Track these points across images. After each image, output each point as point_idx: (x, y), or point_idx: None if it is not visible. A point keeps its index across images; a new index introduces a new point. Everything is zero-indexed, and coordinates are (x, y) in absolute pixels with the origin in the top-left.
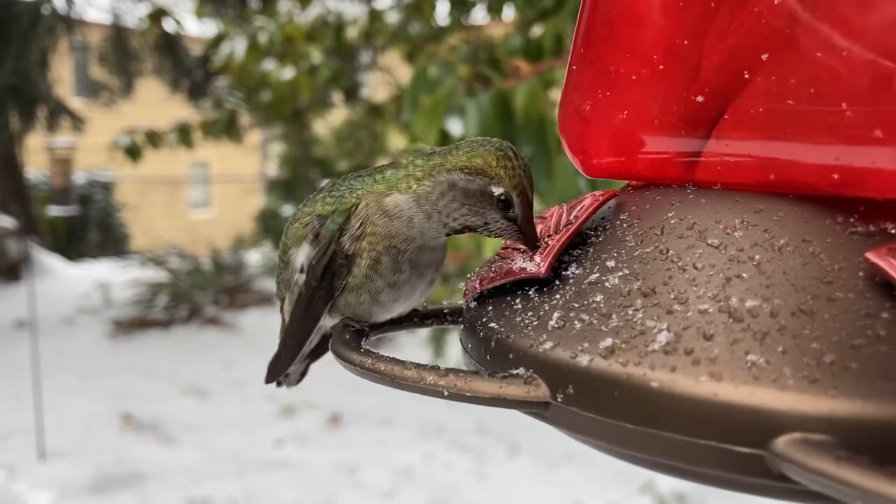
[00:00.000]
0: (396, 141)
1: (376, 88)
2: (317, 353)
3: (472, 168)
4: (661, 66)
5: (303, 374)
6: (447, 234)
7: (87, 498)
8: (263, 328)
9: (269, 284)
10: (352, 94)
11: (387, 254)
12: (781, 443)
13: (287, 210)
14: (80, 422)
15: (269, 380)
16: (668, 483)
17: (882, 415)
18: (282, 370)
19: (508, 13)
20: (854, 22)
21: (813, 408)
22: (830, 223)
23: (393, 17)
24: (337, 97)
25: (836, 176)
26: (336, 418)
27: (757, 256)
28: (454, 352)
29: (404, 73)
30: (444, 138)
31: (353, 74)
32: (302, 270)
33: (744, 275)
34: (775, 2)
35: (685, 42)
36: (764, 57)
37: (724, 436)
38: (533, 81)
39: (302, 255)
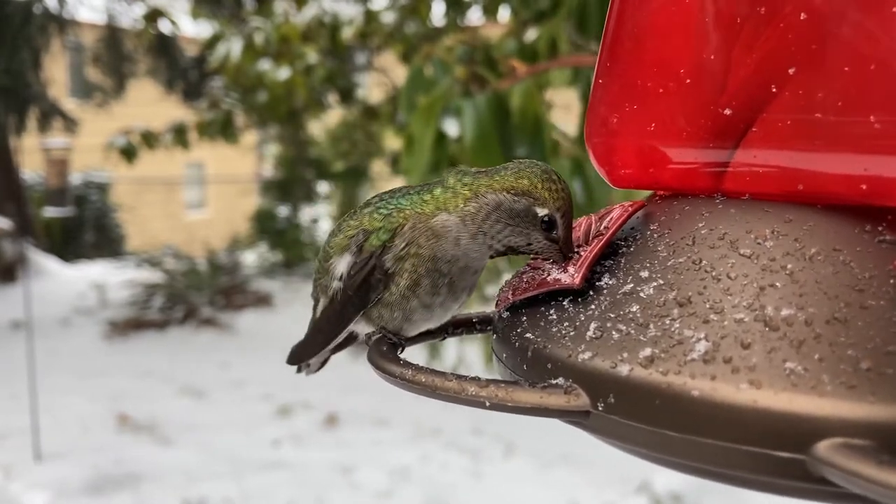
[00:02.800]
0: (392, 142)
1: (372, 89)
2: (340, 348)
3: (518, 189)
4: (689, 80)
5: (323, 363)
6: (491, 256)
7: (83, 498)
8: (259, 329)
9: (265, 285)
10: (347, 95)
11: (428, 276)
12: (822, 447)
13: (283, 211)
14: (77, 422)
15: (290, 362)
16: (663, 483)
17: None
18: (305, 359)
19: (504, 14)
20: (881, 36)
21: (852, 413)
22: (859, 232)
23: (389, 18)
24: (333, 98)
25: (864, 186)
26: (332, 419)
27: (789, 265)
28: (449, 354)
29: (400, 73)
30: (441, 139)
31: (348, 75)
32: (340, 279)
33: (777, 284)
34: (801, 17)
35: (712, 56)
36: (791, 71)
37: (765, 441)
38: (529, 82)
39: (343, 265)
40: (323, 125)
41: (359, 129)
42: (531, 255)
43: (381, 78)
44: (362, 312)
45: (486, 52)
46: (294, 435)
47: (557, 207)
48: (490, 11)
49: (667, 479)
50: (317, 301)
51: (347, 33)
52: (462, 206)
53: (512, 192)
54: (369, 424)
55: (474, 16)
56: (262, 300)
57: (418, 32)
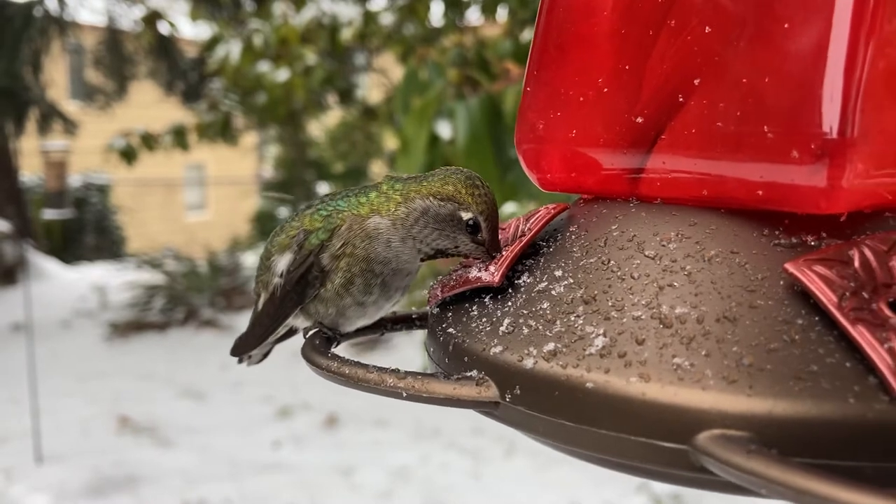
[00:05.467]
0: (391, 142)
1: (371, 90)
2: (280, 340)
3: (444, 194)
4: (606, 89)
5: (265, 355)
6: (422, 259)
7: (83, 501)
8: None
9: None
10: (346, 96)
11: (361, 276)
12: (702, 438)
13: (283, 212)
14: (77, 425)
15: (233, 353)
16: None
17: (791, 412)
18: (247, 351)
19: (502, 14)
20: (774, 52)
21: (731, 406)
22: (757, 236)
23: (387, 19)
24: (332, 99)
25: (760, 192)
26: (332, 420)
27: (688, 267)
28: None
29: (399, 74)
30: (434, 141)
31: (347, 76)
32: (280, 275)
33: (675, 284)
34: (706, 31)
35: (627, 67)
36: (696, 82)
37: (652, 432)
38: (522, 83)
39: (283, 263)
40: (322, 126)
41: (358, 129)
42: (461, 258)
43: (380, 79)
44: (300, 307)
45: (479, 54)
46: (294, 436)
47: (481, 211)
48: (489, 11)
49: None
50: (258, 296)
51: (346, 34)
52: (393, 209)
53: (438, 197)
54: (369, 425)
55: (473, 16)
56: None
57: (417, 33)
